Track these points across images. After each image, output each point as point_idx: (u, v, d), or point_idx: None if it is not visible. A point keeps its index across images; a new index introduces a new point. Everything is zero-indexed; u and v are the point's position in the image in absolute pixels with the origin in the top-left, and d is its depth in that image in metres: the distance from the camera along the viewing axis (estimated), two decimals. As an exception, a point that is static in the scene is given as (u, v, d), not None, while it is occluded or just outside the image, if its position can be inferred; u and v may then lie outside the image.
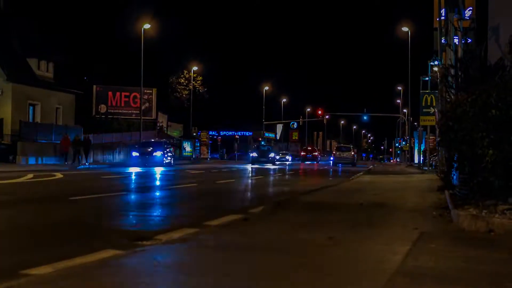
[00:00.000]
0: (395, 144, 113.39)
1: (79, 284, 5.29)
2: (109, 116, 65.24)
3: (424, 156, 44.90)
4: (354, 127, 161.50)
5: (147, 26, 56.18)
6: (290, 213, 11.05)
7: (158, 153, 44.24)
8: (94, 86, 67.42)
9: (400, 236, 8.22)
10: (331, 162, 65.35)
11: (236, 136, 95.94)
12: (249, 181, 25.80)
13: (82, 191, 16.37)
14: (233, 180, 25.35)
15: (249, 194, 17.99)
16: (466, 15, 20.68)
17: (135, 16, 59.13)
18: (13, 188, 17.99)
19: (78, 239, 8.11)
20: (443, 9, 17.95)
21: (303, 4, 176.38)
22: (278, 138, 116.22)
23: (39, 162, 43.18)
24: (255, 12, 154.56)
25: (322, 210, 11.67)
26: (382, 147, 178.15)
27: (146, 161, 42.81)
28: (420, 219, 10.14)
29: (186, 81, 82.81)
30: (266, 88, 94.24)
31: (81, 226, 9.42)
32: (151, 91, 68.37)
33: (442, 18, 18.94)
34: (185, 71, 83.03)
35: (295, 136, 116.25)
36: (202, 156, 76.55)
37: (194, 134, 78.28)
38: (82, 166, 40.39)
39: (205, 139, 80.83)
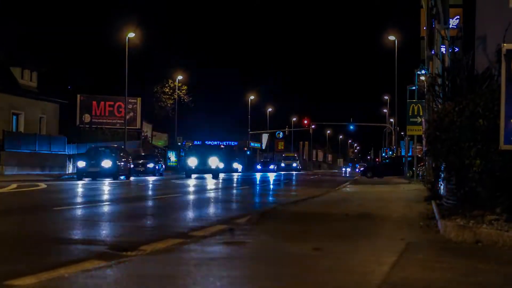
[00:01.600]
0: (381, 154, 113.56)
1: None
2: (93, 126, 64.87)
3: (411, 166, 44.95)
4: (341, 136, 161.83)
5: (131, 35, 56.03)
6: (276, 223, 10.98)
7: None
8: (78, 96, 67.04)
9: (386, 246, 8.17)
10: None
11: (222, 146, 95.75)
12: (235, 191, 25.69)
13: (66, 201, 16.21)
14: (218, 189, 25.25)
15: (235, 204, 17.89)
16: (453, 24, 20.75)
17: (120, 25, 58.93)
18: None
19: (63, 249, 8.02)
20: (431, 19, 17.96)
21: (289, 13, 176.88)
22: (263, 147, 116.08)
23: (23, 172, 42.82)
24: (241, 21, 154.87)
25: (308, 221, 11.62)
26: (368, 157, 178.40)
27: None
28: (406, 229, 10.08)
29: (171, 90, 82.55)
30: (252, 97, 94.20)
31: (65, 236, 9.31)
32: (135, 101, 68.09)
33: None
34: (170, 80, 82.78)
35: (281, 145, 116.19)
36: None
37: (179, 143, 77.99)
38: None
39: (186, 149, 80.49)
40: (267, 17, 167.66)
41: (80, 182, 31.10)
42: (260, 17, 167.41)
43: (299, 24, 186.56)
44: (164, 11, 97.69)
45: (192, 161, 40.59)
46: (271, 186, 31.70)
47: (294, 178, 50.07)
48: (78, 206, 14.66)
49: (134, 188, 26.27)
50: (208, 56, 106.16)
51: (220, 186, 29.52)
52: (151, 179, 39.25)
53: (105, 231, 10.17)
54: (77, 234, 9.78)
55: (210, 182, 33.41)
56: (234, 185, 32.17)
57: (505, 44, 8.73)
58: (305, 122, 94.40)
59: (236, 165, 76.19)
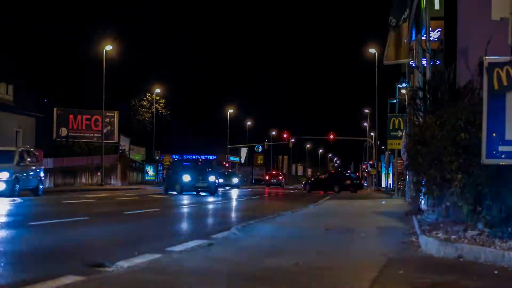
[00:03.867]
0: (362, 168, 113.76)
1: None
2: (70, 140, 64.34)
3: (391, 180, 45.05)
4: (321, 150, 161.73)
5: (108, 47, 55.82)
6: (255, 238, 10.88)
7: None
8: (55, 109, 66.50)
9: (367, 261, 8.11)
10: None
11: (200, 160, 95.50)
12: (214, 205, 25.52)
13: (43, 216, 15.97)
14: (198, 204, 25.08)
15: (214, 218, 17.74)
16: (435, 37, 20.79)
17: (97, 38, 58.73)
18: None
19: (38, 264, 7.89)
20: (412, 30, 17.94)
21: (269, 27, 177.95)
22: (242, 162, 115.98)
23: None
24: (220, 34, 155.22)
25: (288, 235, 11.51)
26: (349, 171, 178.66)
27: None
28: (387, 244, 10.02)
29: (149, 104, 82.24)
30: (231, 111, 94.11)
31: (41, 251, 9.15)
32: (113, 114, 67.70)
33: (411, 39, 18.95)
34: (148, 94, 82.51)
35: (260, 160, 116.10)
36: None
37: (157, 157, 77.62)
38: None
39: (168, 163, 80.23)
40: (246, 30, 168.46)
41: (56, 196, 30.68)
42: (239, 30, 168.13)
43: (279, 38, 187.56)
44: (142, 24, 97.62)
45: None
46: (253, 201, 31.51)
47: (274, 192, 49.91)
48: (55, 221, 14.37)
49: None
50: (186, 69, 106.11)
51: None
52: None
53: (80, 246, 9.91)
54: (54, 249, 9.53)
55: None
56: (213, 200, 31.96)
57: (487, 57, 8.70)
58: (285, 136, 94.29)
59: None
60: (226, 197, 35.38)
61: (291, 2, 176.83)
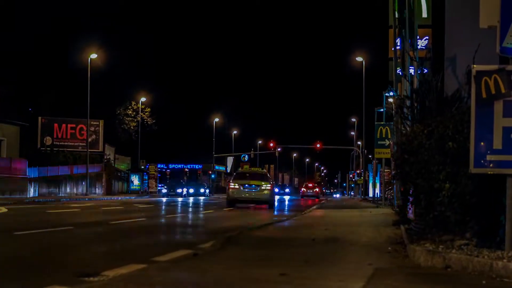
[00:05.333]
0: (349, 178, 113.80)
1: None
2: (55, 149, 63.96)
3: (379, 190, 44.98)
4: (307, 159, 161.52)
5: (93, 56, 55.65)
6: (241, 249, 10.80)
7: None
8: (40, 118, 66.13)
9: (354, 272, 8.04)
10: None
11: (186, 169, 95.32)
12: (202, 215, 25.43)
13: (27, 225, 15.84)
14: (186, 214, 24.99)
15: (199, 228, 17.65)
16: (422, 45, 20.79)
17: (82, 46, 58.57)
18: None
19: (22, 275, 7.85)
20: (398, 39, 17.91)
21: (255, 35, 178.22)
22: (228, 171, 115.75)
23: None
24: (206, 43, 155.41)
25: (273, 246, 11.45)
26: (335, 181, 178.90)
27: None
28: (374, 254, 9.95)
29: (134, 113, 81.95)
30: (217, 119, 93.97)
31: (26, 262, 9.11)
32: (98, 123, 67.43)
33: (398, 48, 18.90)
34: (133, 102, 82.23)
35: (246, 168, 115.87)
36: (150, 189, 75.68)
37: (143, 167, 77.37)
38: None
39: (153, 172, 79.97)
40: (233, 38, 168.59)
41: (41, 205, 30.43)
42: (225, 39, 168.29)
43: (266, 47, 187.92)
44: (127, 32, 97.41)
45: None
46: (239, 211, 31.37)
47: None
48: (38, 230, 14.20)
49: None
50: (172, 78, 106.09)
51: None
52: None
53: (65, 256, 9.78)
54: (38, 259, 9.40)
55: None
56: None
57: (475, 66, 8.66)
58: (271, 145, 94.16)
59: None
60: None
61: (278, 10, 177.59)
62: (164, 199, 49.72)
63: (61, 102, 70.75)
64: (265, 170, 42.71)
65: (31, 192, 49.93)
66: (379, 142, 33.73)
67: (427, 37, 22.10)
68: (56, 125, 66.92)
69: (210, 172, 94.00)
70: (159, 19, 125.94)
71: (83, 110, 57.12)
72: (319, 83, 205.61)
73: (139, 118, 78.02)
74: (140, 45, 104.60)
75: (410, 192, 10.48)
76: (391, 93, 28.20)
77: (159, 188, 74.63)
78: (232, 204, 32.18)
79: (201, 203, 41.22)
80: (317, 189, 61.17)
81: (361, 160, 75.76)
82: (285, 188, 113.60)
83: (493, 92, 8.48)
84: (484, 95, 8.51)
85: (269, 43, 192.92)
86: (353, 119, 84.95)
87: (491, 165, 8.51)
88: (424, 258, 8.57)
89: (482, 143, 8.52)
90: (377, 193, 53.08)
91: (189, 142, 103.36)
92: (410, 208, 12.37)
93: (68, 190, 56.68)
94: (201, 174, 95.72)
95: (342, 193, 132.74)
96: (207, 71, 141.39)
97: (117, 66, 76.96)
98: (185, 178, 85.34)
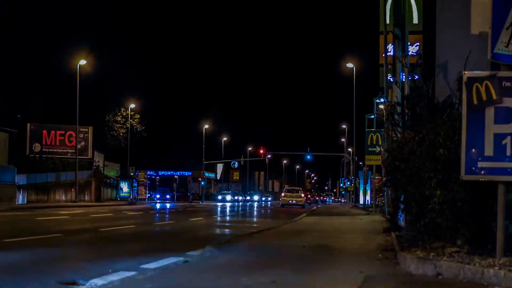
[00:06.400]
0: (339, 184, 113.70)
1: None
2: (43, 156, 63.59)
3: (370, 197, 44.92)
4: (298, 166, 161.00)
5: (83, 62, 55.48)
6: (231, 256, 10.76)
7: None
8: (28, 125, 65.80)
9: (344, 279, 8.03)
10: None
11: (175, 176, 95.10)
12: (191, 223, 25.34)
13: (16, 233, 15.73)
14: (175, 221, 24.91)
15: (190, 235, 17.57)
16: (413, 51, 20.77)
17: (71, 52, 58.36)
18: None
19: (11, 282, 7.79)
20: (390, 44, 17.87)
21: (246, 41, 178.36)
22: (218, 178, 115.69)
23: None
24: (196, 49, 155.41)
25: (264, 253, 11.41)
26: (326, 187, 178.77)
27: None
28: (365, 262, 9.94)
29: (123, 119, 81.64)
30: (206, 126, 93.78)
31: (15, 269, 9.05)
32: (87, 130, 67.16)
33: (388, 54, 18.86)
34: (122, 109, 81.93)
35: (236, 176, 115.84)
36: (140, 196, 75.41)
37: (132, 174, 77.06)
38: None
39: (143, 179, 79.69)
40: (224, 45, 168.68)
41: (30, 213, 30.26)
42: (216, 45, 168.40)
43: (257, 54, 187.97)
44: (117, 38, 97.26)
45: None
46: (229, 218, 31.33)
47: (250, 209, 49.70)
48: (30, 238, 14.08)
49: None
50: (162, 85, 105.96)
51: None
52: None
53: (51, 264, 9.68)
54: (28, 266, 9.29)
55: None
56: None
57: (466, 72, 8.63)
58: (261, 151, 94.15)
59: None
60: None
61: (268, 17, 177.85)
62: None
63: (50, 109, 70.45)
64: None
65: (20, 199, 49.61)
66: (370, 149, 33.63)
67: (418, 43, 22.07)
68: (45, 131, 66.61)
69: (200, 179, 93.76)
70: (148, 27, 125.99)
71: (72, 116, 56.88)
72: (309, 90, 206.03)
73: (128, 125, 77.76)
74: (130, 52, 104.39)
75: (401, 199, 10.44)
76: (382, 100, 28.19)
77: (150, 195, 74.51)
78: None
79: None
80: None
81: (351, 167, 75.60)
82: (268, 197, 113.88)
83: (485, 98, 8.46)
84: (475, 102, 8.49)
85: (260, 50, 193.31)
86: (344, 126, 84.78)
87: (482, 172, 8.48)
88: (415, 266, 8.54)
89: (473, 150, 8.49)
90: (368, 200, 52.98)
91: (178, 149, 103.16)
92: (401, 215, 12.33)
93: (57, 197, 56.36)
94: (191, 181, 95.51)
95: (333, 200, 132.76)
96: (198, 77, 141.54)
97: (106, 73, 76.77)
98: (174, 185, 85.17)
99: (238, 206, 61.89)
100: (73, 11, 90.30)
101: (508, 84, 8.44)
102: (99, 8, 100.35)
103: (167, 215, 30.76)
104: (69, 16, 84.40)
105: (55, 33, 77.49)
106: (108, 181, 71.73)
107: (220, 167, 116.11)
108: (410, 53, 16.52)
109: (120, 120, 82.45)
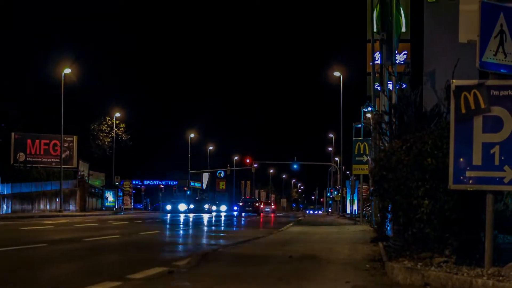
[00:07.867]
0: (326, 194, 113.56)
1: None
2: (28, 165, 63.14)
3: (357, 206, 44.91)
4: (284, 176, 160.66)
5: (67, 70, 55.27)
6: (217, 266, 10.68)
7: None
8: (12, 134, 65.33)
9: None
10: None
11: (161, 186, 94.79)
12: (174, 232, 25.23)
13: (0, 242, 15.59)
14: (160, 231, 24.77)
15: (175, 245, 17.46)
16: (401, 60, 20.77)
17: (55, 61, 58.07)
18: None
19: None
20: (377, 53, 17.84)
21: (232, 49, 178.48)
22: (204, 187, 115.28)
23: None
24: (181, 57, 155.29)
25: (250, 263, 11.30)
26: (313, 197, 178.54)
27: None
28: (352, 272, 9.86)
29: (109, 128, 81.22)
30: (192, 135, 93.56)
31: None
32: (71, 139, 66.80)
33: (376, 62, 18.83)
34: (107, 118, 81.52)
35: (222, 185, 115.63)
36: (125, 206, 75.06)
37: (117, 183, 76.71)
38: None
39: (128, 189, 79.40)
40: (209, 52, 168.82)
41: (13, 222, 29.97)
42: (201, 53, 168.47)
43: (243, 61, 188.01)
44: (101, 47, 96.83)
45: None
46: (215, 228, 31.21)
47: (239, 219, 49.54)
48: (13, 248, 13.94)
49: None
50: (147, 94, 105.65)
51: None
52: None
53: (34, 273, 9.54)
54: (16, 275, 9.15)
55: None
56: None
57: (454, 80, 8.60)
58: (247, 161, 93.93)
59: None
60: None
61: (254, 25, 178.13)
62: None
63: (35, 118, 69.99)
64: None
65: (4, 208, 49.23)
66: (357, 158, 33.53)
67: (406, 52, 22.06)
68: (29, 141, 66.15)
69: (186, 189, 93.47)
70: (132, 34, 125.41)
71: (57, 126, 56.56)
72: (296, 99, 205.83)
73: (113, 134, 77.43)
74: (114, 60, 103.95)
75: (389, 209, 10.37)
76: (369, 109, 28.15)
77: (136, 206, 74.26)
78: None
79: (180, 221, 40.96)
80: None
81: (338, 176, 75.43)
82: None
83: (473, 107, 8.42)
84: (463, 111, 8.45)
85: (247, 59, 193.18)
86: (331, 135, 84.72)
87: (470, 182, 8.44)
88: (402, 276, 8.47)
89: (461, 159, 8.45)
90: (355, 209, 52.91)
91: (164, 158, 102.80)
92: (388, 225, 12.27)
93: (41, 206, 55.98)
94: (177, 191, 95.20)
95: (319, 209, 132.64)
96: (184, 87, 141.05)
97: (91, 81, 76.35)
98: (160, 194, 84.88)
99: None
100: (59, 18, 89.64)
101: (497, 93, 8.41)
102: (84, 16, 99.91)
103: (156, 224, 30.61)
104: (54, 23, 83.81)
105: (39, 42, 76.99)
106: (93, 190, 71.37)
107: (206, 176, 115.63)
108: (397, 61, 16.48)
109: (105, 129, 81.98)
